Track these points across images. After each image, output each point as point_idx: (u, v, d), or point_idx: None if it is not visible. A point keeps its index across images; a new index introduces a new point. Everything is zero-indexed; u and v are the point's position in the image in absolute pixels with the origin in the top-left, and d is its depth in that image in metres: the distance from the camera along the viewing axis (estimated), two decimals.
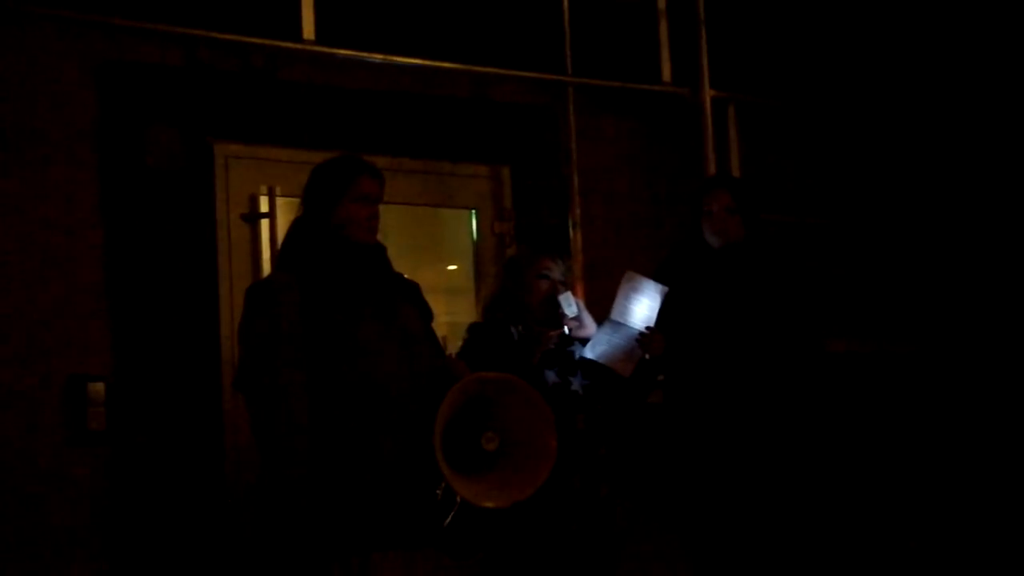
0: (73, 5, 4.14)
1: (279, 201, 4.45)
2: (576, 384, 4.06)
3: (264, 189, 4.49)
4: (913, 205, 6.03)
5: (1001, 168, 6.00)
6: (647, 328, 4.07)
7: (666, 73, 5.38)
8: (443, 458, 3.11)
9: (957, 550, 5.48)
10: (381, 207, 3.50)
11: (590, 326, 4.15)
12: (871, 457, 5.46)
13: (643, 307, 4.10)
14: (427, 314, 3.49)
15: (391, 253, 3.51)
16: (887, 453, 5.56)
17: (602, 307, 4.26)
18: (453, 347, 3.95)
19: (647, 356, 4.09)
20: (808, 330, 4.29)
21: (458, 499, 3.20)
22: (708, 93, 5.35)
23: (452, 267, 5.37)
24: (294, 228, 3.47)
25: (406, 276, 3.51)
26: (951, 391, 5.80)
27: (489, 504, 3.20)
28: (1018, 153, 5.96)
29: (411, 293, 3.47)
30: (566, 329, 4.06)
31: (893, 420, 5.64)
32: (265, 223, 4.48)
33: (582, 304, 4.20)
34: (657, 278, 4.15)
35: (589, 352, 4.08)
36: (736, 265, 4.22)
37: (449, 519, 3.23)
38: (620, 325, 4.10)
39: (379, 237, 3.49)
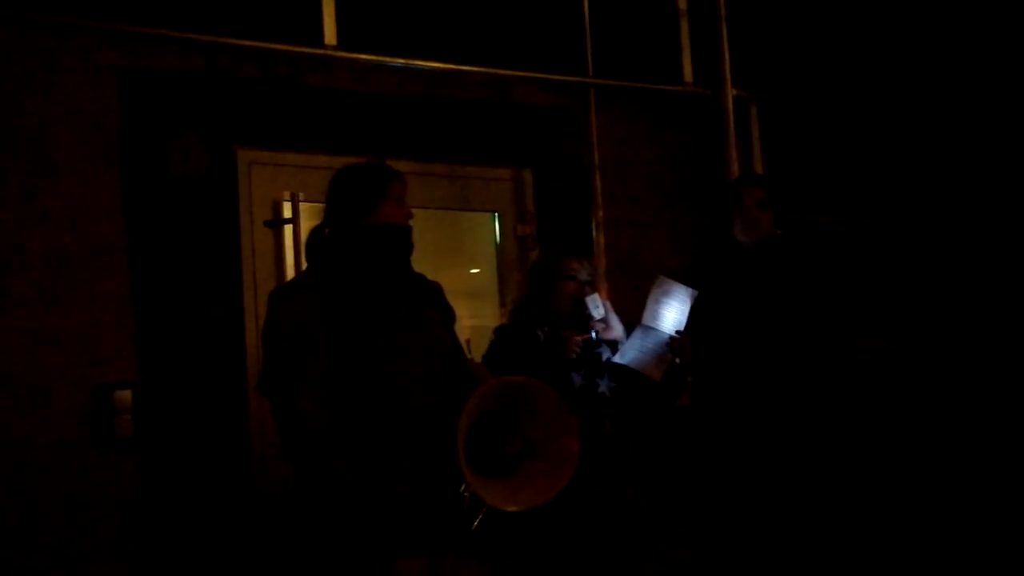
0: (95, 14, 4.16)
1: (302, 207, 4.45)
2: (603, 387, 4.05)
3: (287, 195, 4.49)
4: (936, 203, 5.99)
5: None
6: (677, 332, 4.06)
7: (688, 73, 5.36)
8: (466, 462, 3.11)
9: (975, 548, 5.42)
10: None
11: (617, 327, 4.15)
12: (899, 456, 5.42)
13: (673, 311, 4.09)
14: (449, 316, 3.49)
15: (414, 256, 3.51)
16: (914, 453, 5.52)
17: (627, 309, 4.26)
18: (477, 350, 3.94)
19: (677, 360, 4.09)
20: (837, 328, 4.27)
21: (485, 503, 3.21)
22: (730, 93, 5.33)
23: (475, 270, 5.37)
24: (316, 233, 3.47)
25: (428, 278, 3.52)
26: (977, 388, 5.76)
27: (512, 508, 3.20)
28: None
29: (433, 295, 3.47)
30: (593, 334, 4.05)
31: (919, 418, 5.60)
32: (288, 229, 4.48)
33: (609, 305, 4.19)
34: (687, 279, 4.14)
35: (620, 358, 4.08)
36: (766, 262, 4.22)
37: (477, 523, 3.23)
38: (651, 330, 4.10)
39: None
